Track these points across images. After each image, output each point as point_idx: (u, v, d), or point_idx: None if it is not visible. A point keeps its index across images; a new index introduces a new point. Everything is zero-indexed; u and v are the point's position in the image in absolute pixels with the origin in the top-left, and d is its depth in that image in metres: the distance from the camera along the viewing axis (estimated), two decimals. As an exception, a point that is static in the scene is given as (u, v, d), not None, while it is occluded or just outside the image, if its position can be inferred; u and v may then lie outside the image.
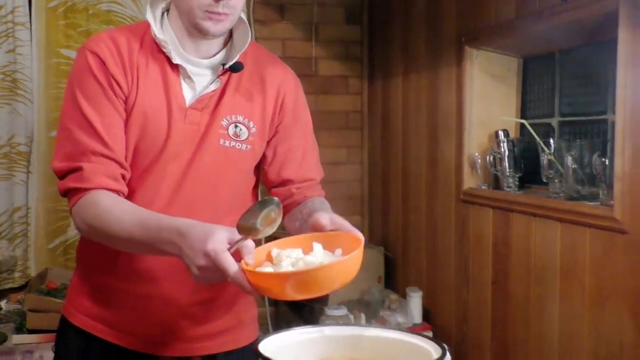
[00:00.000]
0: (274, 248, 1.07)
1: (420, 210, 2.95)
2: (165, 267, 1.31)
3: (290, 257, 1.04)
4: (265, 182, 1.44)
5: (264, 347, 0.96)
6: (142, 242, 1.15)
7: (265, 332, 1.06)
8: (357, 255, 1.00)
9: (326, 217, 1.11)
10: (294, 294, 0.98)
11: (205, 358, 1.39)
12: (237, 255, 1.03)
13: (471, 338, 2.56)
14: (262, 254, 1.07)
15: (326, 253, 1.06)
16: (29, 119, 3.00)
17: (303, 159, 1.42)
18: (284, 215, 1.37)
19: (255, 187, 1.45)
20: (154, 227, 1.14)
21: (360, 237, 1.06)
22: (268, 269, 1.02)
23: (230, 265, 1.01)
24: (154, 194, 1.29)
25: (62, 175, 1.26)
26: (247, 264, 1.02)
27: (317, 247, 1.06)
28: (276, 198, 1.06)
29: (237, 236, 1.04)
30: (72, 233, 3.04)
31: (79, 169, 1.23)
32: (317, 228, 1.11)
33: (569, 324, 2.03)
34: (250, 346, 1.38)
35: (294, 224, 1.32)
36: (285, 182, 1.41)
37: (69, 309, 1.42)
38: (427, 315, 2.86)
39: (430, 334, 2.73)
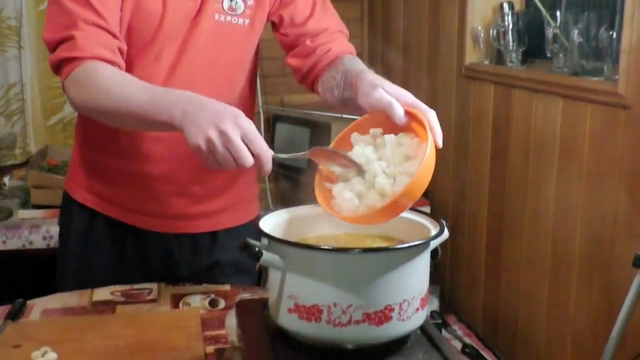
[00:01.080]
0: (355, 133, 1.01)
1: (421, 86, 2.91)
2: (164, 146, 1.30)
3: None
4: (283, 48, 1.38)
5: (265, 223, 0.94)
6: (144, 111, 1.04)
7: (265, 209, 1.06)
8: (431, 154, 0.97)
9: (397, 106, 1.03)
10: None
11: (205, 235, 1.42)
12: None
13: (468, 213, 2.61)
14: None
15: (399, 143, 1.00)
16: (15, -9, 2.90)
17: (312, 12, 1.34)
18: (316, 83, 1.31)
19: (253, 72, 1.40)
20: (160, 93, 1.06)
21: (429, 112, 1.01)
22: (338, 186, 0.98)
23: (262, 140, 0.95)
24: (149, 75, 1.23)
25: (53, 46, 1.17)
26: (335, 210, 0.97)
27: (390, 140, 1.00)
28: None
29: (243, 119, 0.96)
30: (70, 110, 3.01)
31: (71, 38, 1.14)
32: (383, 112, 1.04)
33: (565, 197, 2.06)
34: (250, 223, 1.40)
35: (332, 94, 1.23)
36: (298, 39, 1.34)
37: (71, 185, 1.43)
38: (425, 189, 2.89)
39: (428, 209, 2.78)
